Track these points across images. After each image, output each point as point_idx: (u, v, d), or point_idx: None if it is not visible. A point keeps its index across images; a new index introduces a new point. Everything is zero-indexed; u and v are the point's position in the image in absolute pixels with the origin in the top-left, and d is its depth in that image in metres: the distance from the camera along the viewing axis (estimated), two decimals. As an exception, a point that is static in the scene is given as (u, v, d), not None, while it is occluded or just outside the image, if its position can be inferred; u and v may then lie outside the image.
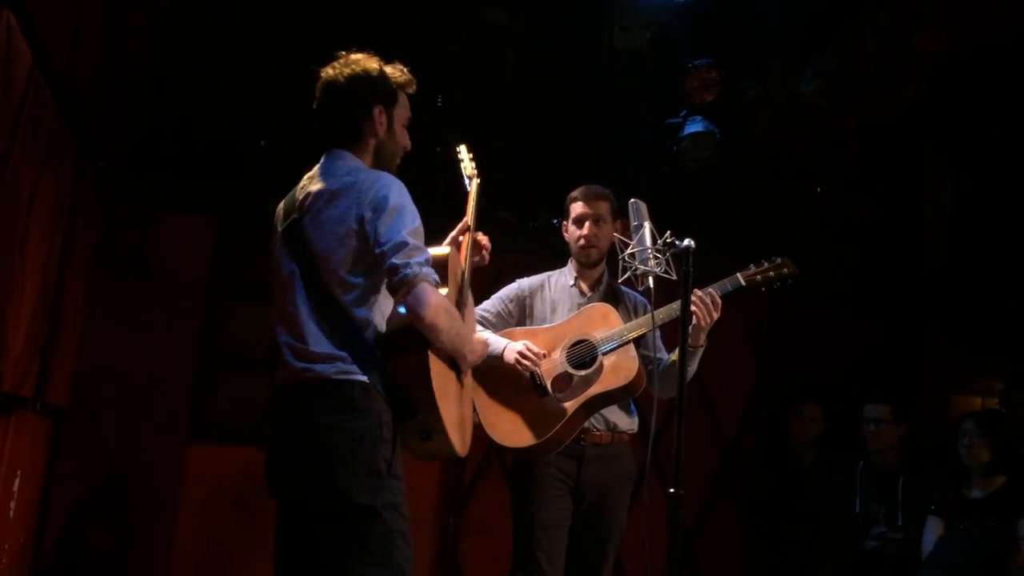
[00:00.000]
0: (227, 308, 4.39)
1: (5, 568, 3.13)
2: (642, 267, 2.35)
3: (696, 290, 2.83)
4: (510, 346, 2.99)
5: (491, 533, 4.32)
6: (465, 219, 2.78)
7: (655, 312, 2.70)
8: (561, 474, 3.01)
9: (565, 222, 3.27)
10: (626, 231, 2.50)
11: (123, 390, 4.08)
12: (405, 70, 2.45)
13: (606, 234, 3.17)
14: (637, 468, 3.14)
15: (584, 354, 3.00)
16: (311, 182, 2.34)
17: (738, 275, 3.00)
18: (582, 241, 3.18)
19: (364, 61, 2.38)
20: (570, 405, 2.95)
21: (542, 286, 3.27)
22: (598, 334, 3.00)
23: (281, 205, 2.41)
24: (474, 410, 2.76)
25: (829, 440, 4.86)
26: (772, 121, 5.15)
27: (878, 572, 4.16)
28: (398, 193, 2.23)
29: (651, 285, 2.37)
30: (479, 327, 3.12)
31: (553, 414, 2.95)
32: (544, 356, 2.98)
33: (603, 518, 3.05)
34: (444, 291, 2.38)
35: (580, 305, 3.17)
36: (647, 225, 2.40)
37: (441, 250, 2.52)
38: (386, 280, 2.21)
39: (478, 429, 2.84)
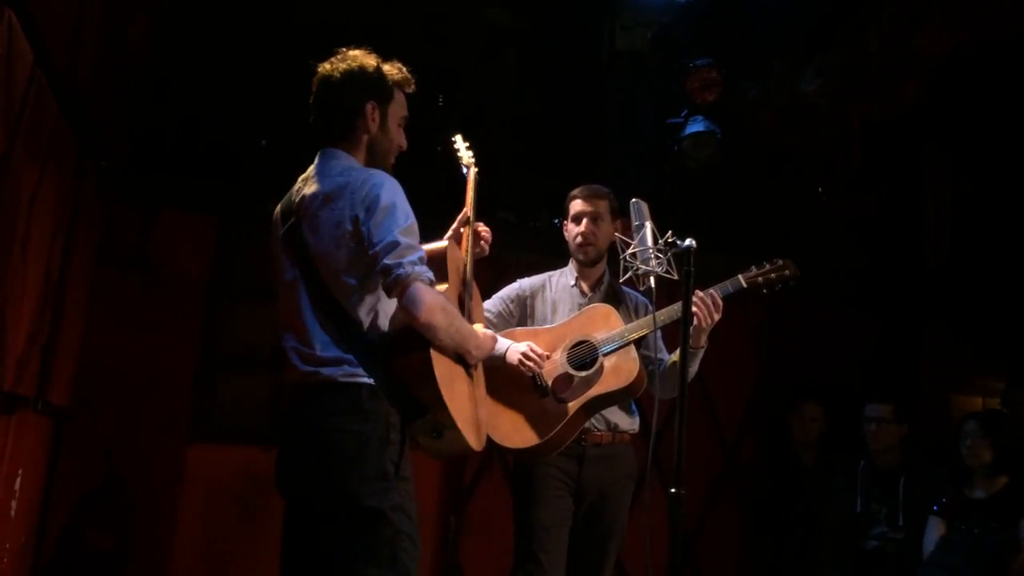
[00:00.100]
0: (228, 308, 4.39)
1: (6, 567, 3.13)
2: (643, 267, 2.34)
3: (697, 291, 2.83)
4: (513, 347, 2.98)
5: (492, 533, 4.32)
6: (464, 210, 2.77)
7: (656, 312, 2.70)
8: (562, 474, 3.01)
9: (565, 221, 3.28)
10: (627, 231, 2.50)
11: (124, 389, 4.08)
12: (404, 69, 2.44)
13: (604, 232, 3.17)
14: (638, 468, 3.14)
15: (585, 355, 3.00)
16: (306, 184, 2.33)
17: (739, 276, 3.00)
18: (579, 238, 3.18)
19: (361, 57, 2.37)
20: (571, 406, 2.95)
21: (543, 286, 3.27)
22: (599, 335, 3.00)
23: (279, 208, 2.41)
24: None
25: (830, 440, 4.86)
26: (773, 121, 5.15)
27: (879, 572, 4.16)
28: (390, 191, 2.22)
29: (652, 285, 2.36)
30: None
31: (554, 415, 2.95)
32: (547, 358, 2.98)
33: (604, 518, 3.05)
34: (443, 287, 2.38)
35: (581, 305, 3.17)
36: (648, 225, 2.39)
37: (437, 245, 2.51)
38: (381, 281, 2.20)
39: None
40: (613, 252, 2.75)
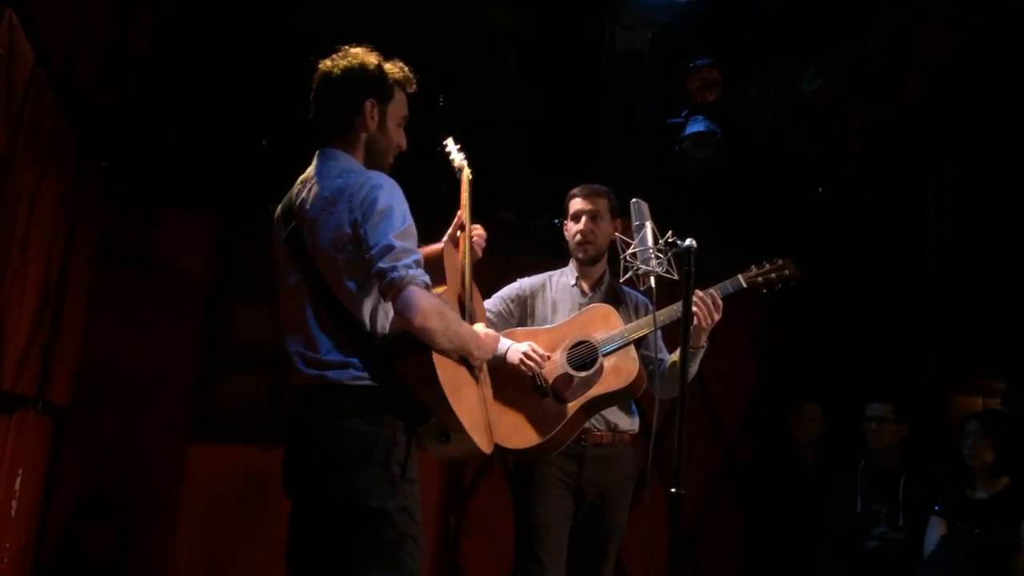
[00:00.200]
0: (228, 307, 4.39)
1: (7, 567, 3.13)
2: (643, 267, 2.34)
3: (697, 291, 2.82)
4: (514, 347, 2.98)
5: (492, 533, 4.32)
6: (459, 214, 2.74)
7: (656, 312, 2.70)
8: (562, 474, 3.01)
9: (565, 220, 3.28)
10: (627, 231, 2.49)
11: (124, 389, 4.08)
12: (405, 68, 2.42)
13: (604, 231, 3.17)
14: (638, 468, 3.14)
15: (584, 355, 3.00)
16: (304, 186, 2.32)
17: (739, 276, 3.00)
18: (579, 237, 3.18)
19: (362, 55, 2.36)
20: (570, 406, 2.95)
21: (543, 286, 3.27)
22: (598, 335, 3.00)
23: (279, 208, 2.39)
24: None
25: (830, 440, 4.86)
26: (773, 121, 5.15)
27: (879, 572, 4.16)
28: (387, 194, 2.20)
29: (652, 285, 2.36)
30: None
31: (554, 415, 2.95)
32: (548, 358, 2.98)
33: (604, 518, 3.05)
34: (441, 289, 2.36)
35: (581, 305, 3.17)
36: (648, 225, 2.39)
37: (434, 247, 2.48)
38: (376, 285, 2.18)
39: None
40: (613, 252, 2.75)
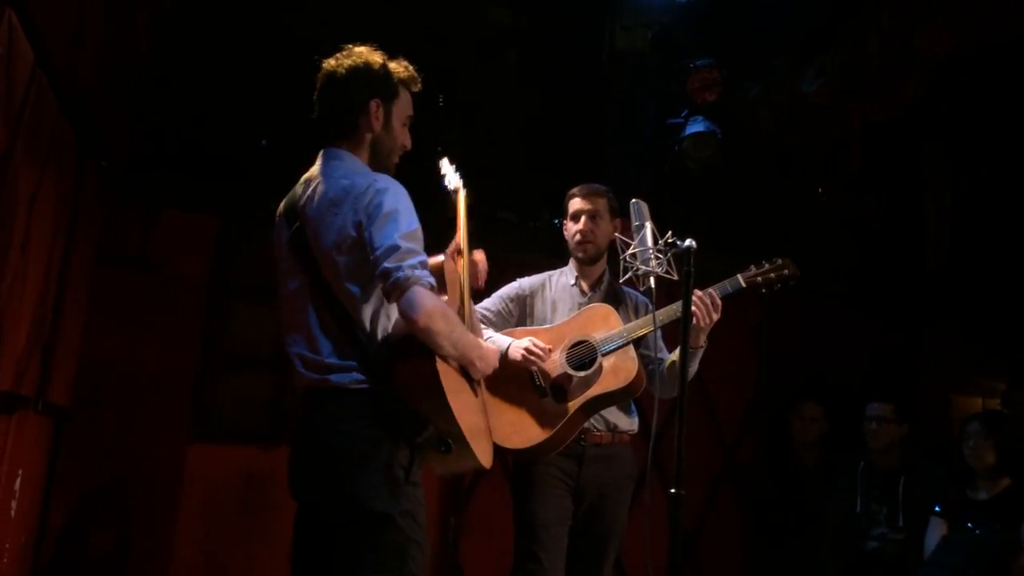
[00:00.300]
0: (228, 307, 4.39)
1: (7, 567, 3.13)
2: (643, 267, 2.34)
3: (696, 291, 2.82)
4: (515, 343, 2.98)
5: (492, 533, 4.32)
6: (456, 239, 2.63)
7: (656, 312, 2.70)
8: (562, 474, 3.02)
9: (565, 220, 3.28)
10: (627, 231, 2.49)
11: (124, 389, 4.08)
12: (410, 67, 2.39)
13: (603, 231, 3.18)
14: (638, 468, 3.14)
15: (584, 355, 3.00)
16: (309, 186, 2.29)
17: (738, 276, 3.00)
18: (578, 236, 3.18)
19: (367, 54, 2.34)
20: (570, 406, 2.95)
21: (543, 286, 3.27)
22: (598, 335, 3.00)
23: (282, 208, 2.37)
24: None
25: (830, 440, 4.86)
26: (773, 121, 5.15)
27: (879, 572, 4.16)
28: (393, 196, 2.18)
29: (652, 285, 2.36)
30: (480, 325, 3.11)
31: (553, 415, 2.95)
32: (549, 351, 2.98)
33: (603, 518, 3.05)
34: (443, 298, 2.32)
35: (581, 304, 3.17)
36: (648, 225, 2.39)
37: (435, 259, 2.44)
38: (380, 286, 2.15)
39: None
40: (613, 252, 2.75)
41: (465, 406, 2.24)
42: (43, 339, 3.14)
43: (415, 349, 2.15)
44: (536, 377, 2.97)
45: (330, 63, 2.34)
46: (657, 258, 2.34)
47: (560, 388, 2.98)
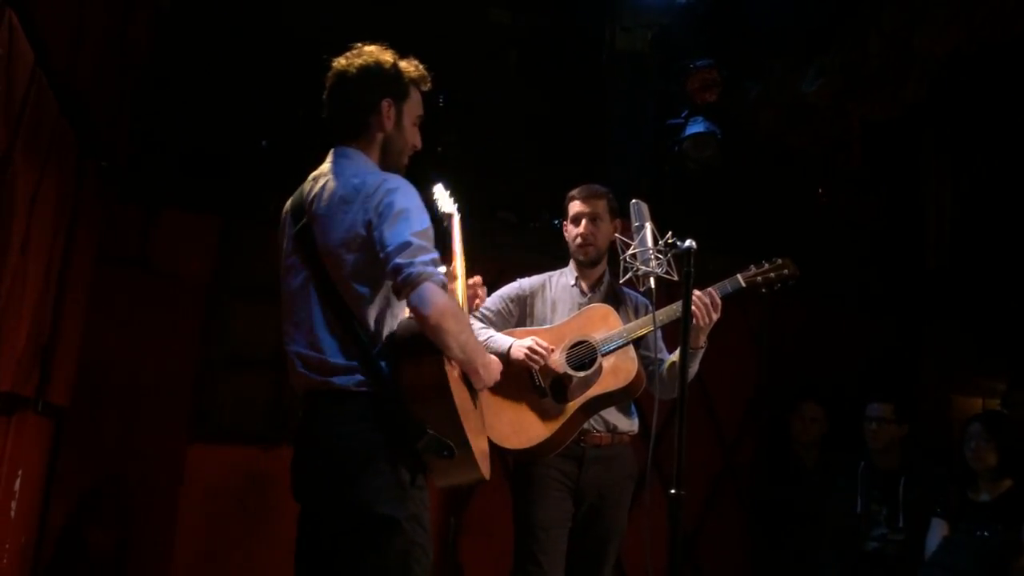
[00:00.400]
0: (228, 308, 4.39)
1: (6, 567, 3.13)
2: (643, 268, 2.34)
3: (695, 290, 2.82)
4: (517, 343, 2.98)
5: (492, 534, 4.32)
6: (452, 266, 2.57)
7: (656, 312, 2.70)
8: (561, 475, 3.02)
9: (565, 222, 3.28)
10: (627, 231, 2.49)
11: (124, 390, 4.08)
12: (420, 66, 2.38)
13: (604, 232, 3.18)
14: (638, 469, 3.14)
15: (583, 355, 3.00)
16: (318, 183, 2.27)
17: (738, 276, 3.00)
18: (579, 239, 3.19)
19: (377, 53, 2.32)
20: (569, 406, 2.95)
21: (543, 286, 3.27)
22: (597, 335, 3.00)
23: (289, 204, 2.34)
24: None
25: (830, 440, 4.86)
26: (773, 121, 5.15)
27: (879, 573, 4.16)
28: (404, 196, 2.16)
29: (652, 286, 2.36)
30: (479, 324, 3.12)
31: (552, 415, 2.95)
32: (552, 350, 2.98)
33: (603, 519, 3.05)
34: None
35: (581, 305, 3.17)
36: (648, 226, 2.39)
37: None
38: (391, 283, 2.13)
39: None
40: (613, 252, 2.75)
41: (465, 414, 2.21)
42: (43, 339, 3.14)
43: (422, 348, 2.12)
44: (536, 377, 2.97)
45: (340, 62, 2.32)
46: (657, 258, 2.33)
47: (560, 388, 2.98)
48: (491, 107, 5.09)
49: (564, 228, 3.28)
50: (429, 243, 2.13)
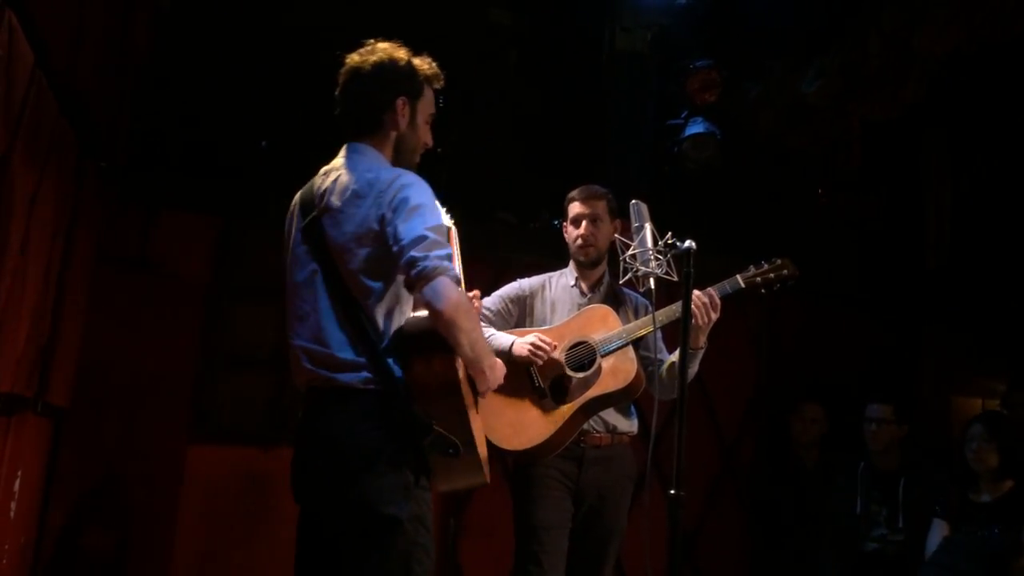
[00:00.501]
0: (228, 308, 4.40)
1: (6, 568, 3.13)
2: (643, 268, 2.34)
3: (695, 291, 2.82)
4: (519, 341, 2.98)
5: (492, 535, 4.32)
6: None
7: (656, 313, 2.70)
8: (561, 476, 3.01)
9: (565, 223, 3.28)
10: (626, 232, 2.49)
11: (123, 390, 4.08)
12: (434, 64, 2.36)
13: (604, 233, 3.17)
14: (637, 469, 3.14)
15: (583, 356, 3.00)
16: (329, 178, 2.24)
17: (738, 277, 3.00)
18: (579, 241, 3.18)
19: (391, 50, 2.30)
20: (569, 407, 2.95)
21: (543, 286, 3.27)
22: (597, 336, 3.00)
23: (298, 198, 2.32)
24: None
25: (830, 441, 4.86)
26: (773, 122, 5.14)
27: (878, 574, 4.15)
28: (419, 191, 2.14)
29: (652, 286, 2.36)
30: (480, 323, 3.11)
31: (552, 416, 2.95)
32: (555, 347, 2.97)
33: (603, 519, 3.05)
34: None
35: (580, 305, 3.17)
36: (648, 226, 2.39)
37: None
38: (404, 277, 2.10)
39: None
40: (613, 253, 2.75)
41: (472, 413, 2.20)
42: (43, 340, 3.14)
43: (434, 345, 2.10)
44: (536, 378, 2.97)
45: (354, 59, 2.30)
46: (657, 259, 2.33)
47: (559, 389, 2.98)
48: (491, 107, 5.09)
49: (564, 229, 3.28)
50: (444, 238, 2.11)
